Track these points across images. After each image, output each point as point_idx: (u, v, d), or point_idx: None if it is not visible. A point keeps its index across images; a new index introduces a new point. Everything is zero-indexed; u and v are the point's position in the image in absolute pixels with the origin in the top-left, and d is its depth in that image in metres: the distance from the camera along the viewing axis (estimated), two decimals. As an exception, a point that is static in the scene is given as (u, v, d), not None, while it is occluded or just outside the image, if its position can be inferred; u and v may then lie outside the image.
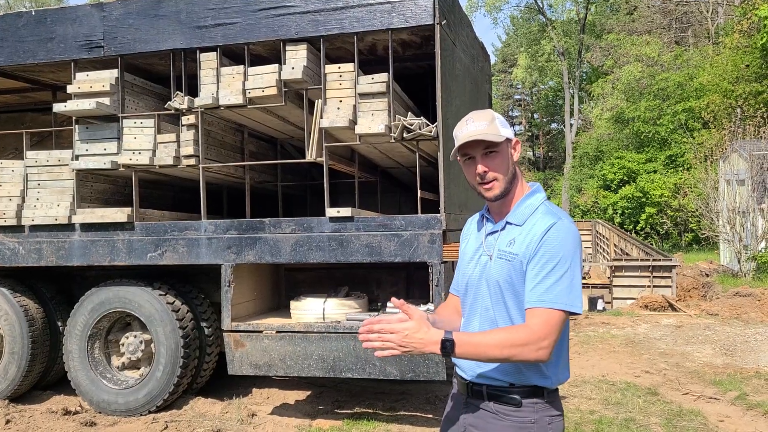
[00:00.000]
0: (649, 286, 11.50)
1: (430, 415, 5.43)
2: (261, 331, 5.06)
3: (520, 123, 51.80)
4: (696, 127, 24.22)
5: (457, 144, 2.03)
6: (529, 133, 50.61)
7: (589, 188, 28.90)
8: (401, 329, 1.84)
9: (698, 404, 5.63)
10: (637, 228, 25.08)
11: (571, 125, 38.73)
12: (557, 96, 43.89)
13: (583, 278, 13.03)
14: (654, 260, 11.78)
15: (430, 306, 4.82)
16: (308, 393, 6.06)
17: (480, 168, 2.00)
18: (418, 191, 5.01)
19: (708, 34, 32.12)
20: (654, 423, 5.12)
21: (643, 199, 24.47)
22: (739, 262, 15.37)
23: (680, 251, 20.24)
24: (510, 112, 51.70)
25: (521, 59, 40.64)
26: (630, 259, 12.19)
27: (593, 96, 34.12)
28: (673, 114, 25.81)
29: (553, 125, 49.12)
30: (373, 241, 4.83)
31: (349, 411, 5.53)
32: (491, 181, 2.01)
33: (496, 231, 2.07)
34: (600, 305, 11.17)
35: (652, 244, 22.12)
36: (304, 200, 7.57)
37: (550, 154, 49.58)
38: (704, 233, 17.96)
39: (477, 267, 2.09)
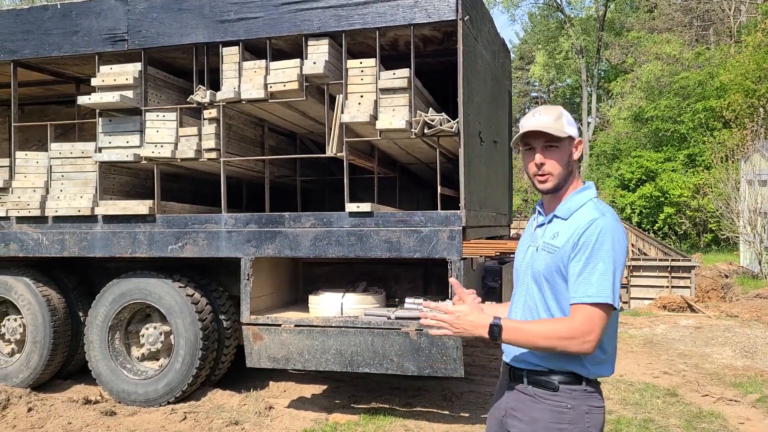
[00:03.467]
0: (667, 287, 11.39)
1: (446, 412, 5.43)
2: (279, 325, 5.08)
3: (537, 121, 51.41)
4: (716, 126, 23.90)
5: (521, 131, 2.10)
6: (547, 131, 50.22)
7: (607, 187, 28.65)
8: (455, 310, 2.00)
9: (718, 406, 5.57)
10: (655, 228, 24.81)
11: (589, 123, 38.40)
12: (575, 94, 43.52)
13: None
14: (673, 260, 11.66)
15: (449, 302, 4.81)
16: (325, 387, 6.09)
17: (538, 159, 2.08)
18: (438, 187, 5.01)
19: (730, 32, 31.67)
20: (673, 424, 5.08)
21: (662, 199, 24.21)
22: (759, 263, 15.18)
23: (699, 252, 20.01)
24: (527, 110, 51.42)
25: (539, 56, 40.35)
26: (648, 259, 12.07)
27: (612, 94, 33.80)
28: (693, 113, 25.50)
29: (571, 123, 48.74)
30: (392, 236, 4.83)
31: (365, 406, 5.55)
32: (547, 174, 2.09)
33: (544, 224, 2.16)
34: (617, 305, 11.08)
35: (670, 245, 21.91)
36: (323, 195, 7.59)
37: (567, 152, 49.17)
38: (724, 234, 17.76)
39: (525, 257, 2.18)
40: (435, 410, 5.48)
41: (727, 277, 12.61)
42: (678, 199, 23.39)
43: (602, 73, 39.01)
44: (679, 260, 11.60)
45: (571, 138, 2.09)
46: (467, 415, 5.37)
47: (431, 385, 6.09)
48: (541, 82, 45.98)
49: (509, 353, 2.17)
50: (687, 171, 24.37)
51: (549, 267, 2.05)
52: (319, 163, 7.27)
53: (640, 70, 29.23)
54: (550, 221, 2.14)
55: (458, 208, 4.75)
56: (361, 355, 4.90)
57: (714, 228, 20.08)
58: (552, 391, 2.03)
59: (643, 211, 25.45)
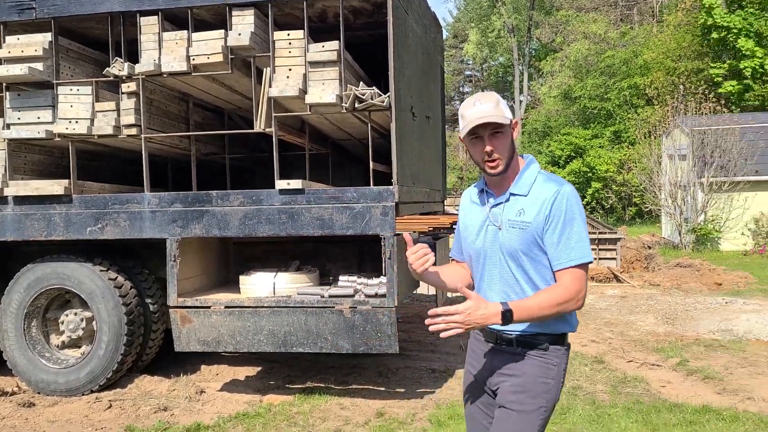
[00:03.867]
0: (595, 259, 11.79)
1: (383, 388, 5.42)
2: (209, 307, 4.92)
3: (471, 99, 51.95)
4: (640, 103, 24.83)
5: (467, 124, 2.20)
6: (480, 110, 50.82)
7: (538, 164, 29.37)
8: (463, 309, 2.07)
9: (642, 371, 5.79)
10: (584, 203, 25.68)
11: (521, 102, 39.15)
12: (507, 72, 44.22)
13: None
14: (600, 233, 12.05)
15: (383, 279, 4.78)
16: (259, 369, 5.97)
17: (488, 147, 2.20)
18: (371, 163, 4.93)
19: (653, 12, 32.82)
20: (600, 390, 5.25)
21: (590, 174, 25.04)
22: (679, 234, 15.93)
23: (624, 225, 20.84)
24: (461, 88, 51.90)
25: (472, 35, 40.71)
26: (577, 233, 12.45)
27: (542, 73, 34.52)
28: (618, 91, 26.37)
29: (503, 101, 49.51)
30: (325, 213, 4.73)
31: (300, 386, 5.48)
32: (497, 160, 2.21)
33: (501, 203, 2.26)
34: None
35: (597, 218, 22.70)
36: (253, 173, 7.39)
37: (499, 130, 49.94)
38: (647, 207, 18.53)
39: (486, 237, 2.29)
40: (371, 387, 5.47)
41: (650, 248, 13.15)
42: (605, 174, 24.24)
43: (533, 51, 39.73)
44: (605, 233, 12.00)
45: (510, 121, 2.21)
46: (403, 390, 5.39)
47: (367, 362, 6.07)
48: (475, 61, 46.44)
49: None
50: (613, 147, 25.24)
51: (526, 242, 2.19)
52: (248, 140, 7.06)
53: (569, 49, 29.93)
54: (507, 200, 2.25)
55: (391, 184, 4.69)
56: (295, 334, 4.81)
57: (638, 201, 20.92)
58: (543, 351, 2.22)
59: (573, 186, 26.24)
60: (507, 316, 2.08)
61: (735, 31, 22.82)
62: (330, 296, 4.80)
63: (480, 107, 2.17)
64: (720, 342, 6.75)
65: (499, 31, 38.80)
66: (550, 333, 2.22)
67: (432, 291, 9.25)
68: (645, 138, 18.36)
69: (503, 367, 2.27)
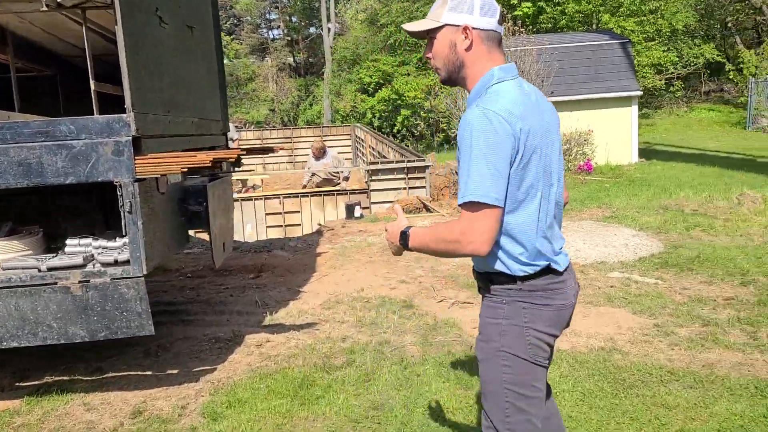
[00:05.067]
0: (405, 188, 11.38)
1: (149, 373, 4.32)
2: None
3: (278, 27, 49.52)
4: (444, 29, 24.84)
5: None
6: (288, 38, 48.68)
7: (348, 92, 28.71)
8: (389, 226, 2.10)
9: (453, 312, 5.28)
10: (395, 131, 25.58)
11: (329, 29, 37.89)
12: (314, -1, 42.44)
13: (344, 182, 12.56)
14: (408, 162, 11.62)
15: (126, 240, 3.57)
16: (-21, 366, 4.53)
17: (426, 54, 2.10)
18: (92, 82, 3.60)
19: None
20: (409, 342, 4.61)
21: (399, 102, 24.85)
22: (483, 158, 16.17)
23: (433, 151, 20.99)
24: (267, 15, 49.14)
25: (274, -44, 38.12)
26: (386, 162, 11.90)
27: (348, -2, 33.42)
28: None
29: (312, 29, 47.80)
30: (30, 155, 3.37)
31: (36, 382, 4.18)
32: (435, 68, 2.09)
33: None
34: (357, 212, 10.76)
35: (408, 146, 22.71)
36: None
37: (310, 59, 48.42)
38: (454, 132, 18.68)
39: None
40: (134, 372, 4.33)
41: (457, 173, 13.07)
42: (413, 101, 24.17)
43: (338, -25, 38.32)
44: (414, 161, 11.58)
45: (451, 26, 1.97)
46: (176, 371, 4.33)
47: (134, 341, 4.87)
48: (280, -15, 43.89)
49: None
50: (420, 74, 25.21)
51: None
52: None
53: (373, -29, 29.09)
54: None
55: (125, 112, 3.44)
56: (3, 326, 3.48)
57: (444, 127, 21.12)
58: (488, 290, 2.05)
59: (383, 114, 25.99)
60: (403, 237, 2.03)
61: (528, -44, 23.44)
62: (50, 269, 3.51)
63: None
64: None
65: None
66: (492, 272, 2.02)
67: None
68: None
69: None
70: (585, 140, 14.84)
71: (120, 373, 4.31)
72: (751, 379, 3.74)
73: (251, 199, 11.48)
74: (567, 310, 2.04)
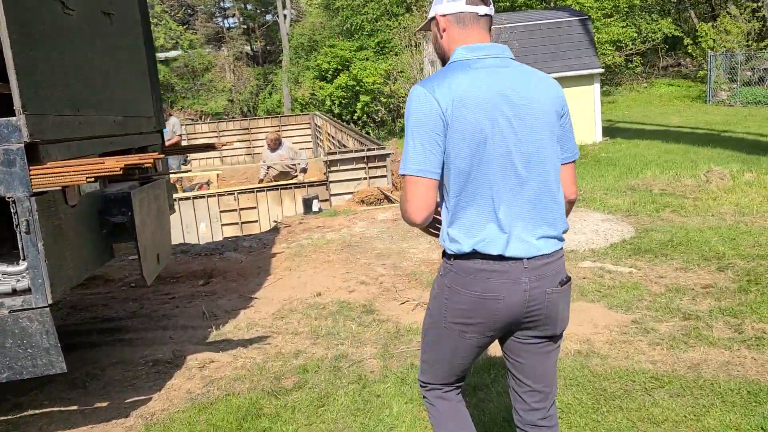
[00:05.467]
0: (365, 178, 10.90)
1: (74, 407, 3.80)
2: None
3: (234, 15, 48.19)
4: (400, 12, 24.27)
5: None
6: (245, 26, 47.45)
7: (306, 80, 28.00)
8: None
9: (416, 315, 4.87)
10: (355, 117, 24.99)
11: (285, 16, 36.98)
12: (269, -16, 41.37)
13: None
14: (368, 150, 11.13)
15: (25, 265, 3.04)
16: None
17: None
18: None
19: None
20: (368, 356, 4.18)
21: (358, 88, 24.24)
22: (446, 143, 15.80)
23: (395, 138, 20.52)
24: (221, 3, 47.78)
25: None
26: (344, 151, 11.38)
27: (303, -18, 32.54)
28: (378, 0, 25.54)
29: (268, 16, 46.66)
30: None
31: (-60, 429, 3.64)
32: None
33: None
34: (316, 206, 10.23)
35: (369, 133, 22.19)
36: None
37: (268, 47, 47.31)
38: (415, 118, 18.21)
39: None
40: (56, 408, 3.81)
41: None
42: (372, 86, 23.61)
43: (292, -40, 37.34)
44: (374, 149, 11.09)
45: (433, 18, 2.10)
46: (105, 404, 3.82)
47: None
48: (233, -29, 42.63)
49: None
50: (378, 59, 24.63)
51: None
52: None
53: (327, -46, 28.33)
54: None
55: (15, 113, 2.90)
56: None
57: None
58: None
59: (342, 101, 25.37)
60: None
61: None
62: (-66, 303, 2.97)
63: None
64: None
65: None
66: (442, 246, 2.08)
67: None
68: (407, 47, 17.79)
69: None
70: (548, 120, 14.55)
71: (41, 410, 3.79)
72: (741, 382, 3.41)
73: (204, 197, 10.88)
74: (493, 303, 1.95)
